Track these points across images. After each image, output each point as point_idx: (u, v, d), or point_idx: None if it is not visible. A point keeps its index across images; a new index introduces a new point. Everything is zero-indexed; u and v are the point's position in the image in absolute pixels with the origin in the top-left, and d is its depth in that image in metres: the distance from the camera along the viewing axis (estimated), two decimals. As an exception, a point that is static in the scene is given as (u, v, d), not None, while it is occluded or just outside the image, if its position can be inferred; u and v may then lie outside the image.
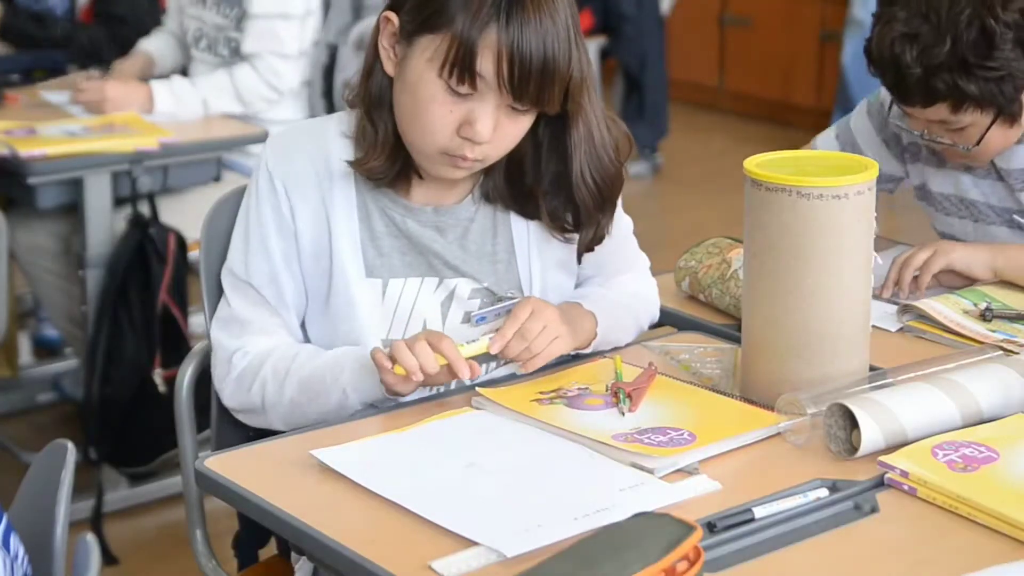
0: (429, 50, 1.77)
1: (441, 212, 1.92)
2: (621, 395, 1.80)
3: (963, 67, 2.09)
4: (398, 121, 1.85)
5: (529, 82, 1.76)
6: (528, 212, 1.94)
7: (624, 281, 2.07)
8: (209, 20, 3.63)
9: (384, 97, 1.85)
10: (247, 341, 1.90)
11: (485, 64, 1.75)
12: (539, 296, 1.93)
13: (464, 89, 1.77)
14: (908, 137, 2.32)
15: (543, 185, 1.90)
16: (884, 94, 2.33)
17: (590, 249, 1.97)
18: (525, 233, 1.95)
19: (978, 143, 2.20)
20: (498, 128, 1.80)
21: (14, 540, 1.44)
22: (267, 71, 3.53)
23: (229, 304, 1.92)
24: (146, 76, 3.65)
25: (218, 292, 1.95)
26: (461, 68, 1.75)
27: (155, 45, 3.79)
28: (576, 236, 1.95)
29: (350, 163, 1.87)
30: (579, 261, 1.99)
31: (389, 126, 1.86)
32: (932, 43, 2.09)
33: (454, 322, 1.92)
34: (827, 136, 2.48)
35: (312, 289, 1.91)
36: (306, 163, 1.89)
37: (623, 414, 1.78)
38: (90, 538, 1.48)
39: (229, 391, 1.91)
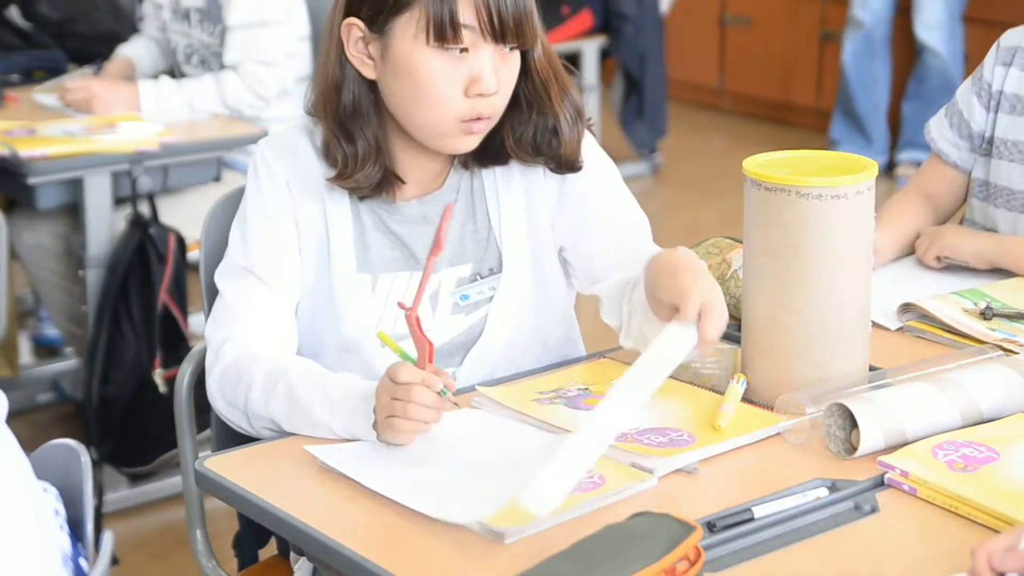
0: (410, 28, 1.80)
1: (425, 202, 1.94)
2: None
3: None
4: (400, 113, 1.86)
5: (510, 19, 1.80)
6: (501, 157, 1.93)
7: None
8: (196, 38, 3.64)
9: (362, 105, 1.87)
10: (237, 331, 1.87)
11: (467, 14, 1.79)
12: (524, 268, 1.94)
13: (456, 46, 1.80)
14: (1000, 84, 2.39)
15: (507, 125, 1.90)
16: (985, 63, 2.43)
17: (570, 166, 1.93)
18: (496, 202, 1.96)
19: None
20: (498, 75, 1.83)
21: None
22: (251, 79, 3.53)
23: (223, 298, 1.91)
24: (128, 79, 3.65)
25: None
26: (444, 26, 1.78)
27: (134, 50, 3.79)
28: (552, 154, 1.92)
29: (331, 180, 1.89)
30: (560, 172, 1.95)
31: (370, 134, 1.87)
32: None
33: (443, 314, 1.94)
34: (937, 116, 2.52)
35: (308, 283, 1.92)
36: (306, 162, 1.92)
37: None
38: (107, 535, 1.49)
39: (214, 382, 1.86)
